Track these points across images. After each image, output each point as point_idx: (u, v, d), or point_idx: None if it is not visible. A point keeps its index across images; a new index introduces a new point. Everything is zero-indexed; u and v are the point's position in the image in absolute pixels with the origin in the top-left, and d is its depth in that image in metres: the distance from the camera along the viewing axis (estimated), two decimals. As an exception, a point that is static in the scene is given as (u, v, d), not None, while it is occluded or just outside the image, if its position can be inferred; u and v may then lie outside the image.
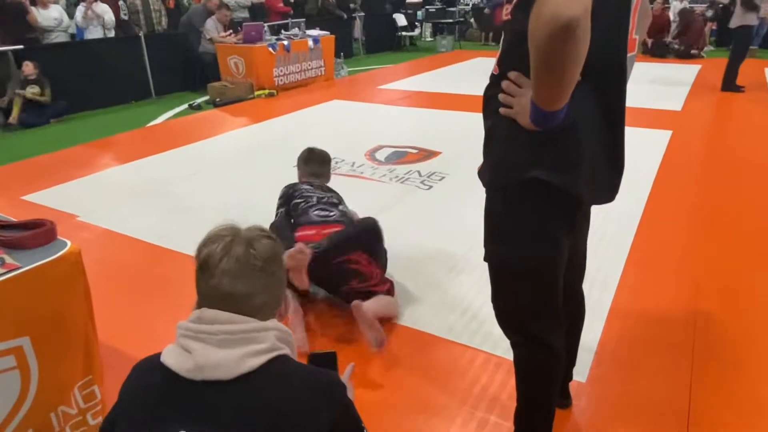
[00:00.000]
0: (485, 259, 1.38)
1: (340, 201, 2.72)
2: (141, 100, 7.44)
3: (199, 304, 1.01)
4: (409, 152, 4.70)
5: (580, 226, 1.46)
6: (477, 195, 3.85)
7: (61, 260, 1.51)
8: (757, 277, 2.66)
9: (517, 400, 1.53)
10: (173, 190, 3.99)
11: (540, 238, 1.27)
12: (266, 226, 3.08)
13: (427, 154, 4.62)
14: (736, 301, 2.46)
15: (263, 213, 3.55)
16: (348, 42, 11.20)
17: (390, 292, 2.36)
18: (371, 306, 2.16)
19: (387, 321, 2.31)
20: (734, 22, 6.66)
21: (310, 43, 8.10)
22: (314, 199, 2.62)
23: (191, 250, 3.43)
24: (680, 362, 2.06)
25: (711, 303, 2.44)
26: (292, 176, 4.38)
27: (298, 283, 2.19)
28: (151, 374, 0.96)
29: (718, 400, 1.88)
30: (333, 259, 2.26)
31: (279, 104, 6.90)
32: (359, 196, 3.40)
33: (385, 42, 12.55)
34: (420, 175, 4.15)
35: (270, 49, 7.48)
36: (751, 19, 6.54)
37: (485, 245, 1.37)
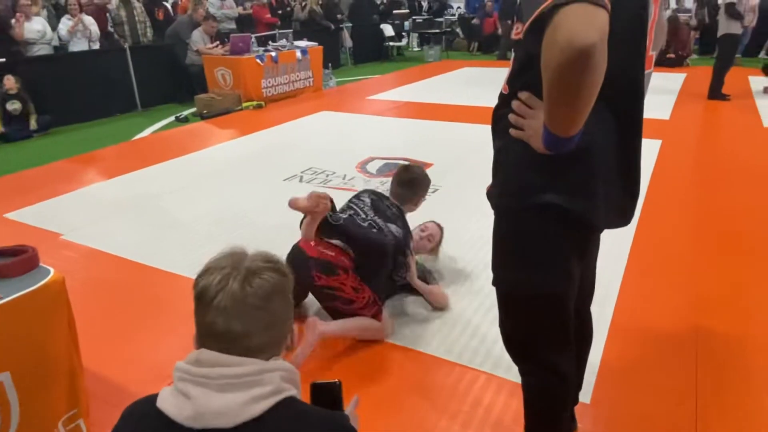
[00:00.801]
0: (493, 284, 1.33)
1: (388, 232, 2.41)
2: (127, 113, 7.33)
3: (197, 340, 0.94)
4: (401, 164, 4.65)
5: (591, 250, 1.41)
6: (471, 208, 3.80)
7: (44, 290, 1.43)
8: (757, 285, 2.64)
9: (525, 426, 1.47)
10: (161, 206, 3.90)
11: (551, 264, 1.22)
12: (263, 244, 3.02)
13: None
14: (737, 311, 2.44)
15: (255, 228, 3.49)
16: (336, 52, 11.19)
17: (376, 316, 2.28)
18: (330, 327, 2.18)
19: (374, 342, 2.27)
20: (720, 31, 6.74)
21: (298, 54, 8.06)
22: (359, 214, 2.47)
23: (182, 269, 3.36)
24: (684, 378, 2.02)
25: (712, 314, 2.41)
26: (283, 189, 4.34)
27: (305, 232, 2.31)
28: (144, 421, 0.89)
29: (725, 416, 1.84)
30: (317, 281, 2.23)
31: (267, 116, 6.84)
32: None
33: (373, 52, 12.56)
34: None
35: (258, 60, 7.43)
36: (736, 28, 6.61)
37: (493, 269, 1.32)
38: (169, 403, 0.87)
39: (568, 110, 1.00)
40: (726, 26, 6.62)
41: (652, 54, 1.21)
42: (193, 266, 3.18)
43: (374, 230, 2.39)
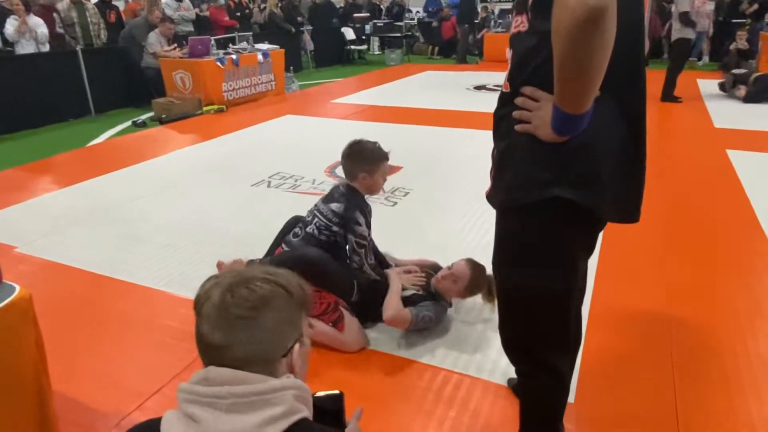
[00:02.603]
0: (496, 284, 1.31)
1: (327, 221, 2.33)
2: (80, 118, 7.03)
3: (198, 352, 0.89)
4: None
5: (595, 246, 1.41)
6: (444, 210, 3.80)
7: (10, 308, 1.34)
8: (719, 276, 2.74)
9: (521, 429, 1.47)
10: (121, 215, 3.74)
11: (558, 261, 1.21)
12: (234, 253, 2.92)
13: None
14: (706, 303, 2.52)
15: (224, 236, 3.39)
16: (297, 56, 11.08)
17: (336, 324, 2.23)
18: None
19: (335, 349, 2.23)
20: (673, 36, 7.04)
21: (260, 57, 7.93)
22: (308, 217, 2.44)
23: (147, 281, 3.22)
24: (662, 374, 2.07)
25: (683, 308, 2.48)
26: (249, 195, 4.24)
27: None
28: None
29: (703, 408, 1.89)
30: None
31: (230, 120, 6.68)
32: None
33: (334, 56, 12.51)
34: (383, 191, 4.06)
35: (218, 63, 7.26)
36: (689, 33, 6.91)
37: (496, 270, 1.31)
38: (175, 428, 0.81)
39: (579, 80, 0.99)
40: (680, 32, 6.91)
41: (646, 42, 1.23)
42: (160, 278, 3.09)
43: (295, 240, 2.38)
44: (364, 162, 2.34)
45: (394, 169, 4.55)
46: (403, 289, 2.35)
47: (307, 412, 0.87)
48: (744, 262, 2.93)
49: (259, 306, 0.86)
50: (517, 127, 1.16)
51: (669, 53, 8.41)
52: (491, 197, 1.29)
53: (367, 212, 2.37)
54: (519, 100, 1.15)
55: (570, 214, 1.16)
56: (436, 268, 2.57)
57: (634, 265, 2.90)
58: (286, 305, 0.90)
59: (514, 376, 1.97)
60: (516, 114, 1.16)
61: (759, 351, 2.19)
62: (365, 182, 2.36)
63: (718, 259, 2.94)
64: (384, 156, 2.38)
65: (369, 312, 2.35)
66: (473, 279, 2.34)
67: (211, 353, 0.86)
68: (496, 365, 2.12)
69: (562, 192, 1.13)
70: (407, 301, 2.29)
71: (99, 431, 1.84)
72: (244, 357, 0.85)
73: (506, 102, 1.20)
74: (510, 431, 1.78)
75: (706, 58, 11.02)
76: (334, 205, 2.33)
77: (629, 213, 1.27)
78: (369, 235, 2.38)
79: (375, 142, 2.40)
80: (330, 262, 2.27)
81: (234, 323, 0.85)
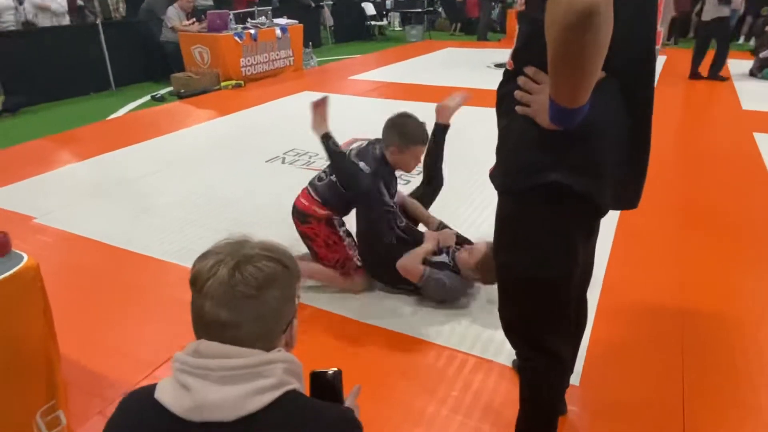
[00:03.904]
0: (496, 268, 1.29)
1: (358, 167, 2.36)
2: (100, 92, 7.10)
3: (194, 329, 0.90)
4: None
5: (596, 232, 1.38)
6: (459, 191, 3.76)
7: (17, 277, 1.36)
8: (737, 266, 2.67)
9: (520, 411, 1.46)
10: (138, 188, 3.79)
11: (557, 247, 1.19)
12: (247, 227, 2.98)
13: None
14: (721, 293, 2.46)
15: (238, 210, 3.41)
16: (316, 31, 10.97)
17: (344, 273, 2.45)
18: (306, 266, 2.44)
19: (361, 326, 2.27)
20: (708, 15, 6.81)
21: (278, 32, 7.87)
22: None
23: (161, 254, 3.27)
24: (671, 360, 2.04)
25: (696, 296, 2.43)
26: (264, 171, 4.25)
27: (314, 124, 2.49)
28: (142, 414, 0.85)
29: (711, 397, 1.86)
30: (296, 227, 2.51)
31: (247, 96, 6.68)
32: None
33: (354, 31, 12.36)
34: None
35: (236, 38, 7.23)
36: (724, 12, 6.72)
37: (495, 253, 1.29)
38: (168, 395, 0.83)
39: (572, 77, 0.95)
40: (716, 11, 6.71)
41: (660, 29, 1.17)
42: (174, 251, 3.13)
43: (319, 183, 2.50)
44: (398, 137, 2.36)
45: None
46: (435, 254, 2.38)
47: (297, 385, 0.87)
48: (764, 252, 2.85)
49: (265, 285, 0.87)
50: (517, 108, 1.13)
51: (695, 31, 8.16)
52: (493, 176, 1.26)
53: (391, 184, 2.41)
54: (521, 80, 1.12)
55: (568, 200, 1.13)
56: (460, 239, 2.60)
57: (648, 252, 2.84)
58: (288, 282, 0.91)
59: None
60: (517, 95, 1.13)
61: (773, 340, 2.14)
62: (394, 157, 2.39)
63: (737, 249, 2.86)
64: (419, 140, 2.39)
65: (385, 272, 2.40)
66: (486, 256, 2.27)
67: (212, 330, 0.86)
68: (502, 346, 2.11)
69: (560, 177, 1.10)
70: (433, 265, 2.33)
71: (108, 398, 1.89)
72: (249, 335, 0.86)
73: (509, 80, 1.17)
74: (511, 412, 1.76)
75: (741, 38, 10.65)
76: (362, 164, 2.36)
77: (629, 200, 1.24)
78: (394, 202, 2.44)
79: (421, 123, 2.42)
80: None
81: (241, 302, 0.85)
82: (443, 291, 2.32)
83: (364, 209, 2.39)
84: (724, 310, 2.34)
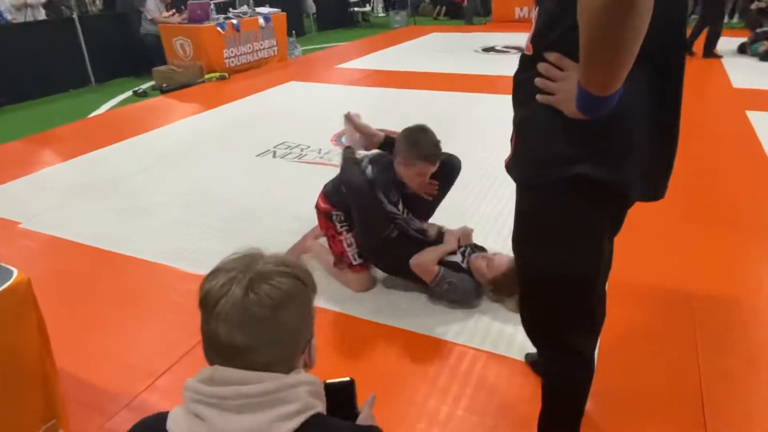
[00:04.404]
0: (516, 263, 1.23)
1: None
2: (80, 88, 6.90)
3: (205, 353, 0.83)
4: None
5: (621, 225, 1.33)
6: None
7: (8, 293, 1.28)
8: (742, 248, 2.65)
9: (544, 412, 1.41)
10: (126, 188, 3.67)
11: (581, 242, 1.12)
12: (244, 226, 2.92)
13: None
14: (728, 274, 2.44)
15: (231, 208, 3.32)
16: (299, 19, 10.78)
17: (338, 265, 2.47)
18: (314, 245, 2.66)
19: (372, 325, 2.21)
20: None
21: (261, 21, 7.70)
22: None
23: (154, 256, 3.16)
24: (685, 348, 2.01)
25: (704, 279, 2.40)
26: (255, 166, 4.14)
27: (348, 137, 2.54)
28: None
29: (728, 384, 1.83)
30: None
31: (232, 88, 6.53)
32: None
33: (337, 18, 12.18)
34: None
35: (218, 28, 7.06)
36: None
37: (516, 247, 1.22)
38: (181, 427, 0.76)
39: (609, 64, 0.88)
40: None
41: None
42: (168, 252, 3.04)
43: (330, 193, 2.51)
44: (406, 149, 2.27)
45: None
46: (452, 253, 2.32)
47: (321, 407, 0.81)
48: (767, 230, 2.83)
49: (282, 305, 0.80)
50: (539, 97, 1.05)
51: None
52: (510, 168, 1.20)
53: (390, 192, 2.35)
54: (542, 67, 1.04)
55: (595, 193, 1.06)
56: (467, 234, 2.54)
57: (651, 234, 2.80)
58: (305, 299, 0.85)
59: (531, 350, 1.93)
60: (538, 82, 1.05)
61: (785, 322, 2.12)
62: (399, 168, 2.33)
63: (740, 228, 2.84)
64: (421, 157, 2.25)
65: (397, 267, 2.35)
66: (505, 276, 2.19)
67: (227, 355, 0.79)
68: (513, 340, 2.06)
69: (586, 170, 1.03)
70: (448, 265, 2.27)
71: (109, 412, 1.82)
72: (267, 359, 0.79)
73: (528, 66, 1.09)
74: (527, 408, 1.73)
75: (736, 17, 10.63)
76: (368, 169, 2.34)
77: (655, 192, 1.18)
78: (399, 209, 2.39)
79: (436, 142, 2.29)
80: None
81: (257, 324, 0.78)
82: (455, 294, 2.26)
83: (354, 207, 2.33)
84: (733, 291, 2.31)
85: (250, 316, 0.77)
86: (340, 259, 2.46)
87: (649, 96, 1.04)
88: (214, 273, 0.82)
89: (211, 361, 0.81)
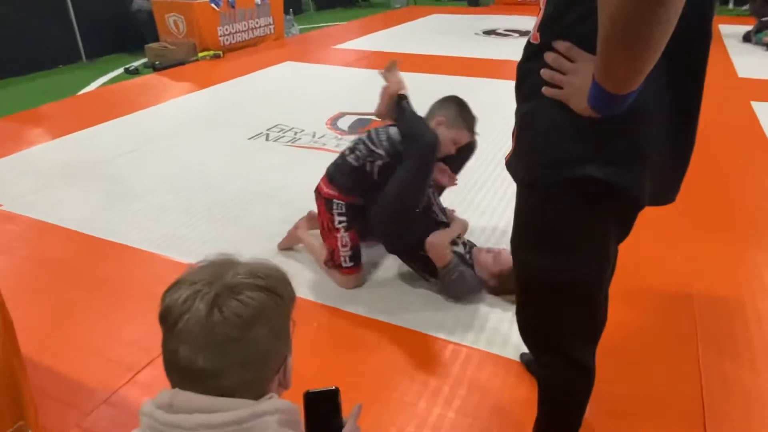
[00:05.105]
0: (514, 267, 1.15)
1: (369, 152, 2.28)
2: (70, 65, 6.72)
3: (166, 374, 0.74)
4: (374, 120, 4.39)
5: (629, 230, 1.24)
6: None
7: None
8: (745, 244, 2.57)
9: (540, 419, 1.34)
10: (114, 170, 3.56)
11: (586, 247, 1.04)
12: (232, 211, 2.83)
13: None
14: (730, 273, 2.37)
15: (219, 193, 3.22)
16: (297, -3, 10.53)
17: (327, 263, 2.35)
18: (305, 236, 2.53)
19: (359, 318, 2.13)
20: None
21: (257, -2, 7.49)
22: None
23: (139, 241, 3.06)
24: (685, 350, 1.94)
25: (705, 278, 2.33)
26: (247, 149, 4.03)
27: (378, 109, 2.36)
28: None
29: (730, 386, 1.77)
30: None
31: (227, 67, 6.37)
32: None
33: (336, -3, 11.90)
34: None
35: (213, 5, 6.86)
36: None
37: (515, 250, 1.14)
38: None
39: (631, 59, 0.77)
40: None
41: None
42: (154, 239, 2.94)
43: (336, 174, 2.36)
44: (456, 112, 2.21)
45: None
46: (455, 243, 2.25)
47: None
48: (771, 226, 2.75)
49: (251, 323, 0.71)
50: (545, 90, 0.96)
51: None
52: (511, 166, 1.10)
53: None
54: (550, 58, 0.94)
55: (603, 196, 0.98)
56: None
57: (650, 233, 2.71)
58: (279, 313, 0.75)
59: (527, 350, 1.86)
60: (545, 74, 0.95)
61: (789, 324, 2.05)
62: (440, 129, 2.18)
63: (743, 225, 2.76)
64: (465, 124, 2.22)
65: (407, 243, 2.24)
66: (512, 270, 2.14)
67: (190, 378, 0.70)
68: (508, 338, 1.99)
69: (595, 171, 0.94)
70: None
71: (87, 408, 1.74)
72: (234, 385, 0.71)
73: (533, 56, 0.99)
74: (521, 411, 1.67)
75: (731, 3, 10.45)
76: (393, 130, 2.24)
77: (666, 195, 1.09)
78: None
79: (474, 117, 2.26)
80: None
81: (224, 346, 0.70)
82: (461, 284, 2.16)
83: (413, 159, 2.13)
84: (735, 291, 2.24)
85: (214, 337, 0.69)
86: (331, 257, 2.33)
87: (668, 92, 0.94)
88: (177, 285, 0.72)
89: (173, 383, 0.72)
